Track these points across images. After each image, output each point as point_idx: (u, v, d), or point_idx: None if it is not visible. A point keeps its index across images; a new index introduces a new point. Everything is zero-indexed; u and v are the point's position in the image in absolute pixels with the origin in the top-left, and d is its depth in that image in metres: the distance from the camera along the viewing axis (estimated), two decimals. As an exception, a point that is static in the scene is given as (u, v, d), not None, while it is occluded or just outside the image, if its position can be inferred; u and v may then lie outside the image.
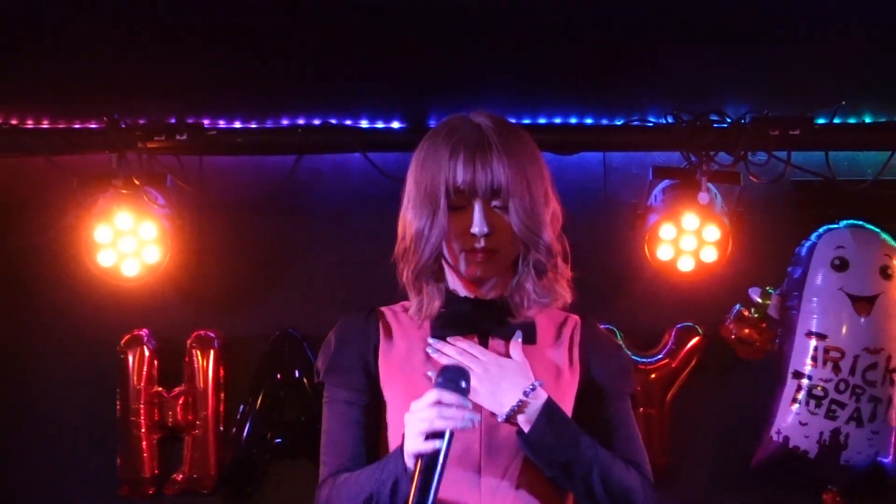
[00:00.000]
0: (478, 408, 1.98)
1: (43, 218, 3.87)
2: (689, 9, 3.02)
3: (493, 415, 2.01)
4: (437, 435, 1.84)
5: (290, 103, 3.80)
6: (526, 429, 1.98)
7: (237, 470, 3.98)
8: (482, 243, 1.99)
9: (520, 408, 1.98)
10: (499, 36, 3.19)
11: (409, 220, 2.04)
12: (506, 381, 2.00)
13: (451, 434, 1.84)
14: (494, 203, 2.00)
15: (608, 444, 2.08)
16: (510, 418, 1.99)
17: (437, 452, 1.82)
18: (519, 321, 2.08)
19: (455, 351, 2.05)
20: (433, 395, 1.88)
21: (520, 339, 2.08)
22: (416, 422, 1.87)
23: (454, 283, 2.13)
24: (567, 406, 2.09)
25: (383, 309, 2.18)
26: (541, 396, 2.00)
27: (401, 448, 1.93)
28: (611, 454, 2.05)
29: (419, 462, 1.84)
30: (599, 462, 2.01)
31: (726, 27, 3.15)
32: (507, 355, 2.06)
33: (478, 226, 1.98)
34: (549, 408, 1.99)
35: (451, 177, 1.98)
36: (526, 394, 1.99)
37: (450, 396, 1.87)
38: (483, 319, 2.10)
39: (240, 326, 4.04)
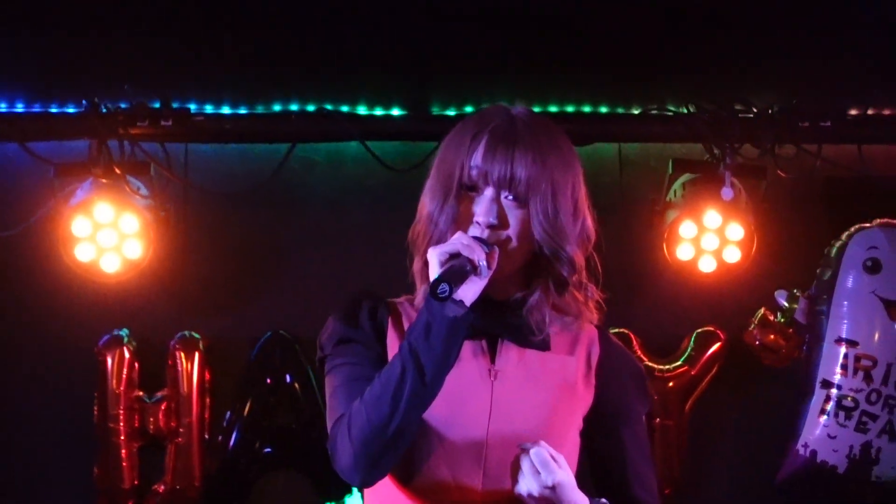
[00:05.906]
0: None
1: (16, 209, 3.81)
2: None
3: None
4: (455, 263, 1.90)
5: (283, 87, 3.78)
6: None
7: (223, 481, 3.93)
8: (486, 234, 1.96)
9: None
10: (504, 17, 3.18)
11: (424, 203, 2.06)
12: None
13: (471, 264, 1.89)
14: (508, 195, 1.98)
15: (622, 464, 2.09)
16: None
17: (461, 268, 1.88)
18: (531, 324, 2.03)
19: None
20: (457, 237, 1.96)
21: None
22: (438, 252, 1.91)
23: None
24: (574, 424, 2.07)
25: (390, 301, 2.15)
26: None
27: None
28: None
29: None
30: None
31: (750, 9, 3.14)
32: (519, 360, 2.02)
33: (483, 215, 1.96)
34: None
35: (468, 160, 1.98)
36: None
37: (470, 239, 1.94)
38: (492, 321, 2.05)
39: (227, 327, 4.00)
